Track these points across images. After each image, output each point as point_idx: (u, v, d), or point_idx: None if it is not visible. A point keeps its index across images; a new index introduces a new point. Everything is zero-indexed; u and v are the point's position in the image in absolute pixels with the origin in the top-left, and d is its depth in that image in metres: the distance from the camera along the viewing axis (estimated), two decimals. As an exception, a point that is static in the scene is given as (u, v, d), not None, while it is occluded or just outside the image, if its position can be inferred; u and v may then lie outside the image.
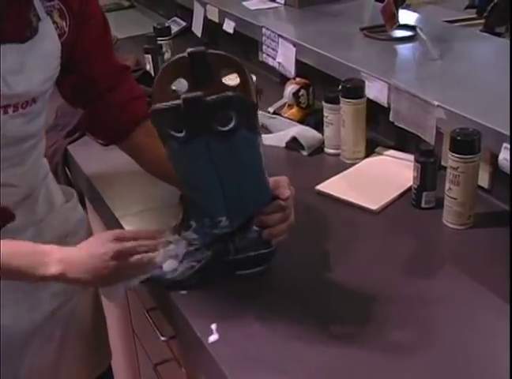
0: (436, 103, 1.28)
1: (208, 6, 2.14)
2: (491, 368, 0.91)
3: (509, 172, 1.13)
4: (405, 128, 1.39)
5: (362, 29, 1.74)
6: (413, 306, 1.02)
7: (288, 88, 1.69)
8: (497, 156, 1.15)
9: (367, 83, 1.44)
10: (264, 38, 1.83)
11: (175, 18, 2.54)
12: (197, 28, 2.24)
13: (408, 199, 1.30)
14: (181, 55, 0.99)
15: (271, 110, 1.71)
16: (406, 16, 1.79)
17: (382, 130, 1.56)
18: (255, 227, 1.04)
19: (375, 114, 1.49)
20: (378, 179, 1.39)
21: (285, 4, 2.03)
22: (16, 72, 1.00)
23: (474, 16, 2.93)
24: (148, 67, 1.95)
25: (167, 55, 2.03)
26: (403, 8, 1.78)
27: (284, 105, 1.71)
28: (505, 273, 1.05)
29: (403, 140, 1.50)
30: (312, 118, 1.64)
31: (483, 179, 1.27)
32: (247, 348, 0.95)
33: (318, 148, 1.53)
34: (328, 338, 0.96)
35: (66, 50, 1.09)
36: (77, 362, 1.27)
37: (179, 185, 1.12)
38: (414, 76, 1.50)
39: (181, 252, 1.02)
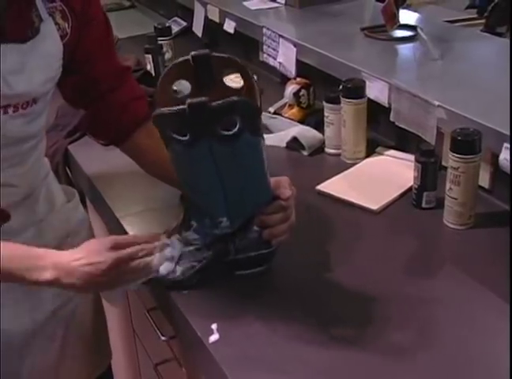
0: (437, 103, 1.28)
1: (208, 6, 2.14)
2: (491, 368, 0.91)
3: (509, 172, 1.13)
4: (406, 128, 1.39)
5: (362, 29, 1.74)
6: (414, 306, 1.02)
7: (288, 88, 1.69)
8: (498, 156, 1.15)
9: (367, 83, 1.44)
10: (264, 38, 1.83)
11: (176, 18, 2.55)
12: (198, 28, 2.24)
13: (409, 199, 1.30)
14: (185, 58, 0.99)
15: (272, 110, 1.71)
16: (407, 16, 1.79)
17: (382, 130, 1.56)
18: (256, 227, 1.04)
19: (376, 114, 1.49)
20: (378, 179, 1.39)
21: (286, 4, 2.03)
22: (16, 72, 1.00)
23: (475, 16, 2.93)
24: (149, 67, 1.95)
25: (167, 55, 2.03)
26: (403, 8, 1.78)
27: (284, 105, 1.71)
28: (505, 273, 1.05)
29: (403, 140, 1.50)
30: (313, 118, 1.64)
31: (484, 179, 1.27)
32: (248, 348, 0.95)
33: (319, 148, 1.53)
34: (328, 338, 0.96)
35: (68, 51, 1.09)
36: (77, 361, 1.27)
37: (180, 186, 1.12)
38: (415, 76, 1.50)
39: (177, 253, 1.02)
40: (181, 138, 0.93)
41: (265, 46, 1.84)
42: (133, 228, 1.27)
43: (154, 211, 1.32)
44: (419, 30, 1.67)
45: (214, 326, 0.98)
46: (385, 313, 1.01)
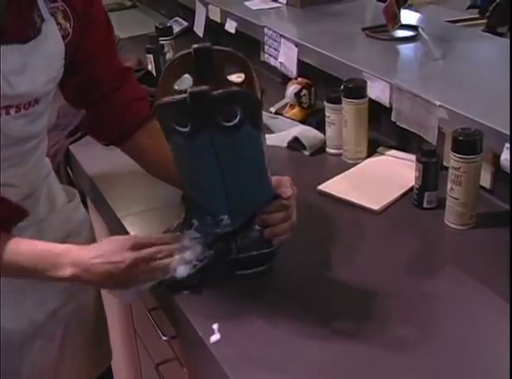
0: (438, 103, 1.28)
1: (210, 6, 2.14)
2: (491, 367, 0.91)
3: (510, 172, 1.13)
4: (407, 128, 1.39)
5: (364, 29, 1.74)
6: (414, 306, 1.02)
7: (289, 88, 1.69)
8: (499, 156, 1.15)
9: (368, 83, 1.44)
10: (266, 38, 1.83)
11: (177, 18, 2.55)
12: (199, 28, 2.24)
13: (410, 199, 1.30)
14: (186, 51, 0.99)
15: (273, 110, 1.71)
16: (408, 16, 1.79)
17: (383, 130, 1.56)
18: (257, 226, 1.04)
19: (377, 114, 1.49)
20: (379, 179, 1.39)
21: (287, 4, 2.03)
22: (18, 72, 1.00)
23: (476, 16, 2.93)
24: (150, 67, 1.95)
25: (169, 55, 2.02)
26: (405, 8, 1.78)
27: (285, 105, 1.71)
28: (506, 273, 1.05)
29: (405, 140, 1.50)
30: (314, 118, 1.64)
31: (485, 179, 1.27)
32: (249, 348, 0.95)
33: (320, 148, 1.53)
34: (330, 338, 0.96)
35: (70, 52, 1.09)
36: (77, 361, 1.27)
37: (181, 186, 1.12)
38: (416, 76, 1.50)
39: (195, 257, 1.02)
40: (182, 129, 0.93)
41: (266, 46, 1.84)
42: (134, 228, 1.27)
43: (155, 210, 1.33)
44: (420, 30, 1.67)
45: (215, 326, 0.98)
46: (386, 312, 1.01)
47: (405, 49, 1.64)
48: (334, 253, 1.16)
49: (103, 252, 0.99)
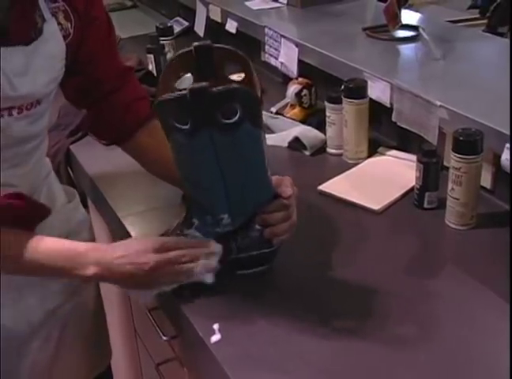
0: (439, 103, 1.28)
1: (210, 6, 2.14)
2: (491, 367, 0.91)
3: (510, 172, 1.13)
4: (408, 128, 1.39)
5: (364, 29, 1.74)
6: (415, 306, 1.02)
7: (290, 88, 1.69)
8: (499, 157, 1.15)
9: (369, 83, 1.44)
10: (266, 38, 1.83)
11: (178, 18, 2.55)
12: (200, 28, 2.24)
13: (411, 199, 1.30)
14: (187, 49, 0.99)
15: (273, 110, 1.71)
16: (409, 17, 1.79)
17: (384, 130, 1.56)
18: (257, 226, 1.04)
19: (378, 114, 1.49)
20: (380, 179, 1.39)
21: (288, 4, 2.03)
22: (21, 74, 1.00)
23: (477, 16, 2.93)
24: (151, 67, 1.95)
25: (169, 55, 2.03)
26: (405, 8, 1.78)
27: (286, 105, 1.71)
28: (506, 273, 1.05)
29: (405, 141, 1.50)
30: (314, 118, 1.64)
31: (486, 179, 1.27)
32: (249, 348, 0.95)
33: (321, 148, 1.53)
34: (330, 337, 0.96)
35: (71, 52, 1.09)
36: (75, 361, 1.27)
37: (182, 185, 1.12)
38: (416, 77, 1.50)
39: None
40: (182, 127, 0.93)
41: (266, 46, 1.84)
42: (134, 228, 1.27)
43: (156, 210, 1.33)
44: (421, 30, 1.67)
45: (216, 326, 0.98)
46: (386, 312, 1.01)
47: (406, 49, 1.64)
48: (334, 253, 1.16)
49: (127, 252, 0.98)
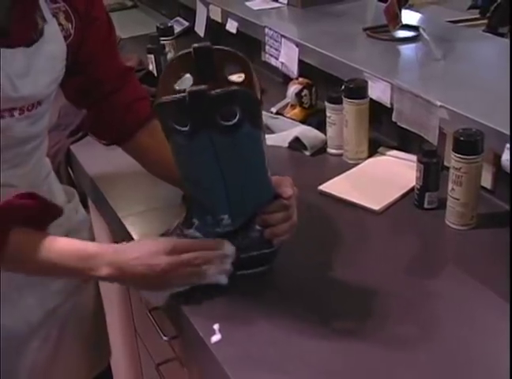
0: (439, 103, 1.28)
1: (211, 6, 2.14)
2: (491, 367, 0.91)
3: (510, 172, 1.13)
4: (408, 128, 1.39)
5: (365, 29, 1.74)
6: (415, 306, 1.02)
7: (290, 88, 1.69)
8: (500, 157, 1.15)
9: (369, 83, 1.44)
10: (267, 38, 1.83)
11: (178, 18, 2.55)
12: (200, 28, 2.24)
13: (411, 199, 1.30)
14: (186, 51, 0.99)
15: (274, 110, 1.71)
16: (409, 17, 1.79)
17: (384, 130, 1.56)
18: (258, 227, 1.04)
19: (378, 114, 1.49)
20: (380, 179, 1.39)
21: (288, 4, 2.03)
22: (22, 75, 1.00)
23: (477, 16, 2.93)
24: (151, 67, 1.95)
25: (169, 55, 2.03)
26: (406, 8, 1.78)
27: (286, 105, 1.71)
28: (507, 273, 1.05)
29: (406, 141, 1.50)
30: (315, 118, 1.64)
31: (486, 180, 1.27)
32: (250, 348, 0.95)
33: (321, 149, 1.53)
34: (330, 338, 0.96)
35: (72, 52, 1.09)
36: (73, 361, 1.27)
37: (182, 185, 1.12)
38: (417, 77, 1.50)
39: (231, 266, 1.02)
40: (181, 129, 0.93)
41: (267, 47, 1.84)
42: (135, 228, 1.27)
43: (156, 210, 1.33)
44: (421, 30, 1.67)
45: (216, 326, 0.98)
46: (386, 312, 1.01)
47: (406, 49, 1.64)
48: (335, 254, 1.16)
49: (140, 254, 0.98)
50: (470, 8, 3.04)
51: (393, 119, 1.42)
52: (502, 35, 2.57)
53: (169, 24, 2.15)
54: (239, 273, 1.07)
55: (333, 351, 0.94)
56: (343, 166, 1.45)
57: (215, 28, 2.17)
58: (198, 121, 0.92)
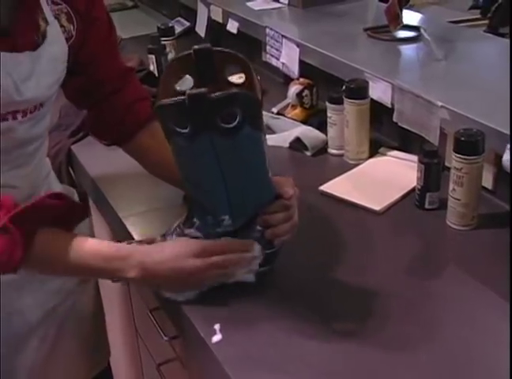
0: (440, 103, 1.28)
1: (211, 7, 2.14)
2: (491, 367, 0.91)
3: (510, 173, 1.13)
4: (409, 128, 1.39)
5: (366, 30, 1.74)
6: (416, 306, 1.02)
7: (291, 88, 1.69)
8: (501, 157, 1.15)
9: (370, 83, 1.44)
10: (267, 38, 1.83)
11: (179, 18, 2.55)
12: (201, 29, 2.24)
13: (412, 200, 1.30)
14: (186, 52, 0.99)
15: (274, 110, 1.71)
16: (410, 17, 1.79)
17: (385, 131, 1.56)
18: (258, 227, 1.04)
19: (379, 114, 1.49)
20: (381, 180, 1.39)
21: (289, 4, 2.03)
22: (26, 78, 1.00)
23: (478, 16, 2.93)
24: (152, 67, 1.95)
25: (170, 56, 2.03)
26: (407, 8, 1.78)
27: (287, 105, 1.71)
28: (507, 274, 1.05)
29: (407, 141, 1.50)
30: (316, 118, 1.64)
31: (487, 180, 1.27)
32: (250, 348, 0.95)
33: (322, 149, 1.53)
34: (331, 338, 0.96)
35: (73, 53, 1.09)
36: (74, 360, 1.27)
37: (183, 186, 1.12)
38: (418, 77, 1.50)
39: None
40: (182, 131, 0.93)
41: (268, 47, 1.84)
42: (135, 228, 1.27)
43: (157, 211, 1.33)
44: (422, 30, 1.67)
45: (217, 326, 0.98)
46: (387, 313, 1.01)
47: (407, 49, 1.64)
48: (336, 254, 1.16)
49: (169, 256, 0.98)
50: (471, 8, 3.04)
51: (394, 119, 1.42)
52: (503, 35, 2.57)
53: (170, 25, 2.15)
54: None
55: (334, 352, 0.94)
56: (344, 167, 1.45)
57: (216, 29, 2.18)
58: (198, 124, 0.92)
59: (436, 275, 1.11)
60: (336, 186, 1.37)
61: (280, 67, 1.79)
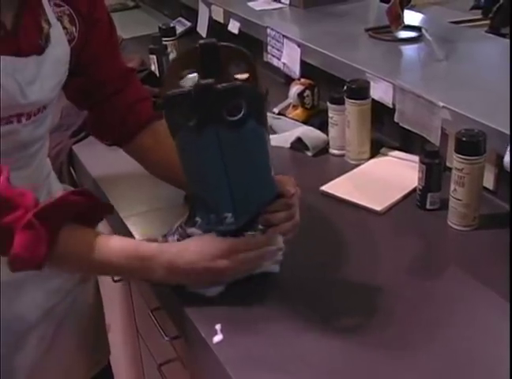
0: (441, 103, 1.28)
1: (213, 7, 2.14)
2: (492, 367, 0.91)
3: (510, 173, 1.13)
4: (410, 129, 1.39)
5: (367, 30, 1.74)
6: (416, 306, 1.02)
7: (292, 88, 1.69)
8: (502, 157, 1.15)
9: (371, 84, 1.44)
10: (269, 38, 1.83)
11: (180, 18, 2.55)
12: (202, 29, 2.24)
13: (413, 200, 1.30)
14: (191, 48, 1.00)
15: (276, 110, 1.71)
16: (411, 17, 1.79)
17: (386, 131, 1.56)
18: (260, 226, 1.04)
19: (380, 114, 1.49)
20: (382, 180, 1.39)
21: (290, 4, 2.03)
22: (31, 82, 1.00)
23: (479, 17, 2.93)
24: (153, 67, 1.95)
25: (171, 56, 2.03)
26: (408, 9, 1.78)
27: (288, 106, 1.71)
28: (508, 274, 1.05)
29: (408, 141, 1.50)
30: (317, 118, 1.64)
31: (489, 180, 1.27)
32: (251, 349, 0.95)
33: (323, 149, 1.53)
34: (332, 339, 0.96)
35: (74, 55, 1.09)
36: (73, 359, 1.27)
37: (185, 185, 1.12)
38: (419, 77, 1.50)
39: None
40: (188, 123, 0.94)
41: (269, 47, 1.84)
42: (137, 228, 1.27)
43: (158, 211, 1.33)
44: (423, 31, 1.67)
45: (218, 326, 0.98)
46: (388, 313, 1.01)
47: (409, 50, 1.64)
48: (337, 254, 1.16)
49: (198, 258, 0.99)
50: (472, 8, 3.04)
51: (395, 120, 1.42)
52: (504, 35, 2.57)
53: (171, 25, 2.15)
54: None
55: (335, 352, 0.94)
56: (345, 167, 1.45)
57: (217, 29, 2.17)
58: (204, 116, 0.93)
59: (437, 275, 1.11)
60: (338, 187, 1.37)
61: (282, 67, 1.79)
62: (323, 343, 0.95)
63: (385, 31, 1.71)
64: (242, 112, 0.92)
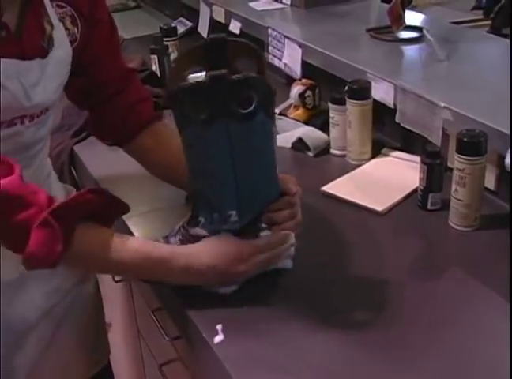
0: (442, 104, 1.28)
1: (214, 7, 2.14)
2: (493, 367, 0.91)
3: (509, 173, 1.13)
4: (411, 129, 1.39)
5: (368, 30, 1.74)
6: (417, 306, 1.02)
7: (293, 89, 1.69)
8: (503, 158, 1.15)
9: (373, 84, 1.44)
10: (270, 39, 1.83)
11: (181, 19, 2.55)
12: (203, 29, 2.24)
13: (414, 200, 1.30)
14: (197, 44, 1.00)
15: (277, 111, 1.71)
16: (413, 18, 1.79)
17: (388, 131, 1.56)
18: (263, 225, 1.04)
19: (381, 115, 1.49)
20: (383, 180, 1.39)
21: (291, 5, 2.03)
22: (35, 84, 1.00)
23: (481, 17, 2.93)
24: (154, 68, 1.95)
25: (173, 56, 2.03)
26: (409, 9, 1.78)
27: (290, 106, 1.71)
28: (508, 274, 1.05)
29: (409, 142, 1.50)
30: (318, 119, 1.64)
31: (490, 181, 1.27)
32: (252, 349, 0.95)
33: (324, 149, 1.53)
34: (333, 339, 0.96)
35: (76, 56, 1.09)
36: (73, 358, 1.27)
37: (186, 186, 1.12)
38: (420, 78, 1.50)
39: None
40: (198, 117, 0.94)
41: (270, 47, 1.84)
42: (138, 228, 1.27)
43: (159, 211, 1.33)
44: (425, 31, 1.67)
45: (219, 327, 0.98)
46: (388, 313, 1.01)
47: (410, 50, 1.64)
48: (337, 255, 1.16)
49: (218, 261, 1.00)
50: (474, 9, 3.04)
51: (397, 120, 1.42)
52: (505, 35, 2.57)
53: (172, 25, 2.15)
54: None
55: (335, 352, 0.94)
56: (346, 167, 1.45)
57: (218, 29, 2.17)
58: (216, 108, 0.93)
59: (438, 275, 1.11)
60: (339, 187, 1.37)
61: (283, 68, 1.79)
62: (324, 344, 0.95)
63: (387, 31, 1.71)
64: (254, 104, 0.93)
